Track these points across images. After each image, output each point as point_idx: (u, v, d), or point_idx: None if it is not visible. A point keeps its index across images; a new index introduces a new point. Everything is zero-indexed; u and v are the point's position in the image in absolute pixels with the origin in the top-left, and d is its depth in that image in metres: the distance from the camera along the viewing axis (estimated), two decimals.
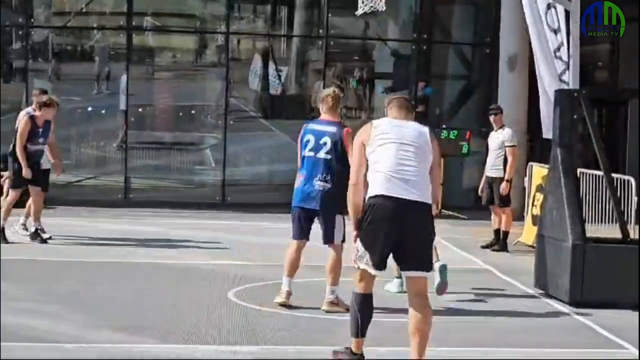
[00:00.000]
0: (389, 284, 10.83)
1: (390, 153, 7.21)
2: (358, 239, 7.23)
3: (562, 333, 9.24)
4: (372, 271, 7.25)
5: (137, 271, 11.81)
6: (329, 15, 19.93)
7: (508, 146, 14.27)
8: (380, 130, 7.34)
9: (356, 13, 12.62)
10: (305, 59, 21.90)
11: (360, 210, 7.23)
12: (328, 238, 9.64)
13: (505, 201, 14.33)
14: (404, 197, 7.11)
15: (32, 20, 20.02)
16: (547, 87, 11.72)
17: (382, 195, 7.11)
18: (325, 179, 9.48)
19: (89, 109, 21.19)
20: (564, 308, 10.31)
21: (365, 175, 7.33)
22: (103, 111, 21.20)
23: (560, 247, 10.60)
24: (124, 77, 19.94)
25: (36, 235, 13.59)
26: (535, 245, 11.93)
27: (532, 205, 14.80)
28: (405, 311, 7.33)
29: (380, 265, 7.24)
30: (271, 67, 21.60)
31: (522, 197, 15.80)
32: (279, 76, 21.63)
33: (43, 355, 7.66)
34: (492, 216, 14.66)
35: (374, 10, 12.45)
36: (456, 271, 12.58)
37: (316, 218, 9.75)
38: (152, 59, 22.31)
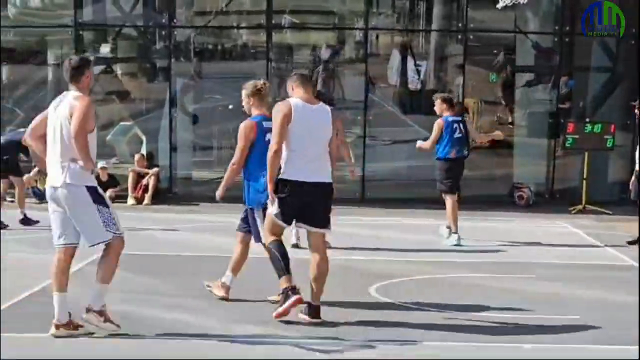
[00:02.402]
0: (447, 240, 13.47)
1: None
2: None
3: None
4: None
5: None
6: (468, 8, 19.70)
7: None
8: (298, 115, 8.64)
9: (498, 6, 12.47)
10: (444, 54, 21.72)
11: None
12: None
13: None
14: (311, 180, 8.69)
15: (175, 20, 20.40)
16: None
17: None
18: None
19: (230, 106, 21.46)
20: None
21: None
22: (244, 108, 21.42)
23: None
24: None
25: None
26: None
27: None
28: None
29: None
30: (410, 62, 21.51)
31: None
32: (418, 71, 21.53)
33: (194, 349, 7.79)
34: None
35: (515, 3, 12.28)
36: (600, 267, 12.35)
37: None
38: (291, 56, 22.47)
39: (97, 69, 21.48)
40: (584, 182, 18.05)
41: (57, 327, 7.95)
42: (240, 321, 8.73)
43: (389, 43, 22.09)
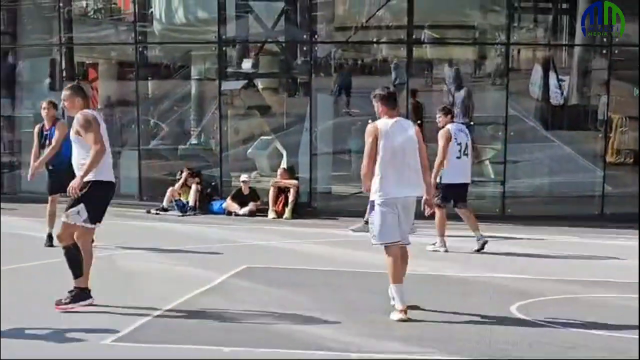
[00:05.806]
0: None
1: None
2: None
3: None
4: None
5: (415, 282, 11.81)
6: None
7: None
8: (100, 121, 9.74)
9: None
10: (588, 68, 21.29)
11: None
12: None
13: None
14: None
15: (316, 36, 20.56)
16: None
17: None
18: None
19: (369, 121, 21.46)
20: None
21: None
22: None
23: None
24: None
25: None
26: None
27: None
28: None
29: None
30: (552, 77, 21.17)
31: None
32: (561, 86, 21.18)
33: None
34: None
35: None
36: None
37: None
38: (430, 71, 22.39)
39: (239, 83, 21.86)
40: None
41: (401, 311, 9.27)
42: (379, 336, 8.70)
43: (530, 57, 21.79)
